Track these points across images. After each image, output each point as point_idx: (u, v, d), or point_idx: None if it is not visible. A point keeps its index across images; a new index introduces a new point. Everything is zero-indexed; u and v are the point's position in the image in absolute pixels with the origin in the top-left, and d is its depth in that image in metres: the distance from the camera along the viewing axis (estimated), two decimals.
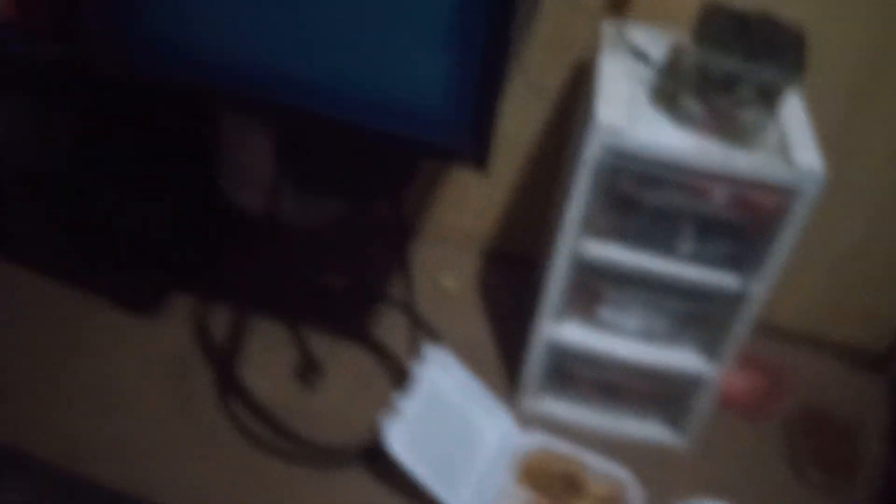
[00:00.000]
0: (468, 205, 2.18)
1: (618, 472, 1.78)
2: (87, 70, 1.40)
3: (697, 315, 1.73)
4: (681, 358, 1.77)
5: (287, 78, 1.28)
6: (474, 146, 1.28)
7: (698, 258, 1.60)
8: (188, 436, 1.79)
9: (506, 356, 2.03)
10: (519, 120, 1.93)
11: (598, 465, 1.79)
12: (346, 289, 2.11)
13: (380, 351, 2.00)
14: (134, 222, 1.88)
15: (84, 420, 1.79)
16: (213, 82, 1.33)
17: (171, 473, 1.72)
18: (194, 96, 1.42)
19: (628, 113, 1.46)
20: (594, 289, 1.72)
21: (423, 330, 2.02)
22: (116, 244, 1.92)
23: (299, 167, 1.57)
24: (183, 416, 1.83)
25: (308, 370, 1.92)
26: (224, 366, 1.91)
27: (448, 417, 1.80)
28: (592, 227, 1.59)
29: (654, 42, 1.63)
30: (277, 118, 1.46)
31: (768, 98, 1.38)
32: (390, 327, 2.04)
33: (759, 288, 1.58)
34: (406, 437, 1.67)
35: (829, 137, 1.49)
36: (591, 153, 1.45)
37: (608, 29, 1.68)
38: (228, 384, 1.88)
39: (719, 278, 1.61)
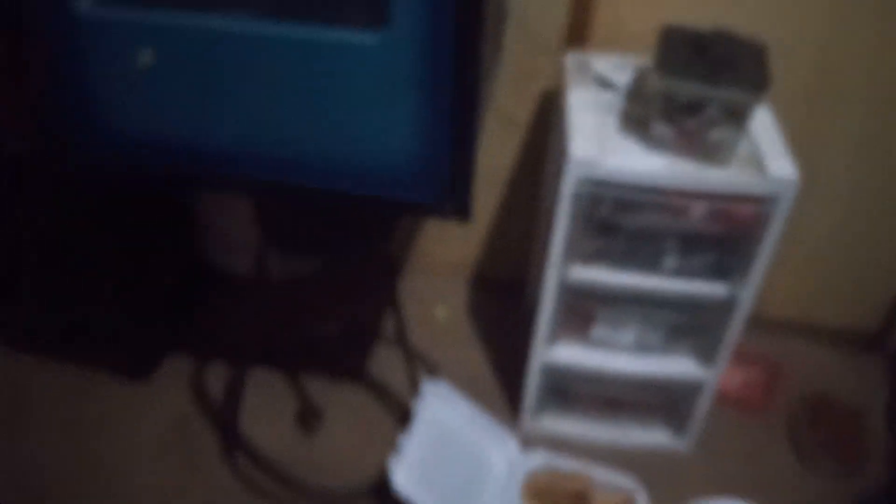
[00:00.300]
0: (452, 236, 2.19)
1: (624, 482, 1.80)
2: (52, 166, 1.39)
3: (689, 324, 1.74)
4: (677, 366, 1.78)
5: (261, 157, 1.28)
6: (454, 200, 1.28)
7: (684, 272, 1.61)
8: (198, 497, 1.79)
9: (504, 380, 2.04)
10: (493, 152, 1.94)
11: (605, 478, 1.81)
12: (338, 332, 2.11)
13: (379, 390, 2.00)
14: (117, 292, 1.87)
15: (94, 493, 1.79)
16: (183, 168, 1.32)
17: None
18: (165, 184, 1.41)
19: (600, 142, 1.47)
20: (585, 310, 1.73)
21: (419, 364, 2.03)
22: (103, 316, 1.92)
23: (281, 227, 1.57)
24: (191, 477, 1.83)
25: (309, 417, 1.93)
26: (225, 423, 1.91)
27: (453, 449, 1.81)
28: (577, 252, 1.60)
29: (618, 69, 1.64)
30: (255, 193, 1.45)
31: (736, 116, 1.39)
32: (387, 365, 2.05)
33: (747, 293, 1.60)
34: (413, 474, 1.68)
35: (798, 137, 1.52)
36: (569, 186, 1.46)
37: (571, 60, 1.69)
38: (232, 441, 1.88)
39: (707, 288, 1.63)
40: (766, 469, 1.90)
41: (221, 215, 1.62)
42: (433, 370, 2.02)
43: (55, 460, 1.85)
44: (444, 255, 2.24)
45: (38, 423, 1.92)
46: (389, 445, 1.74)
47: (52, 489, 1.79)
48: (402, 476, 1.66)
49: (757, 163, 1.45)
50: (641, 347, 1.78)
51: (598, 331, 1.77)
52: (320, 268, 1.70)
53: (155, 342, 2.06)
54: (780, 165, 1.44)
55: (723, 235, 1.56)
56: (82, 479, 1.82)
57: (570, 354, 1.79)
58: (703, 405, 1.82)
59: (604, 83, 1.61)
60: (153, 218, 1.84)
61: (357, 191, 1.28)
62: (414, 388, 1.93)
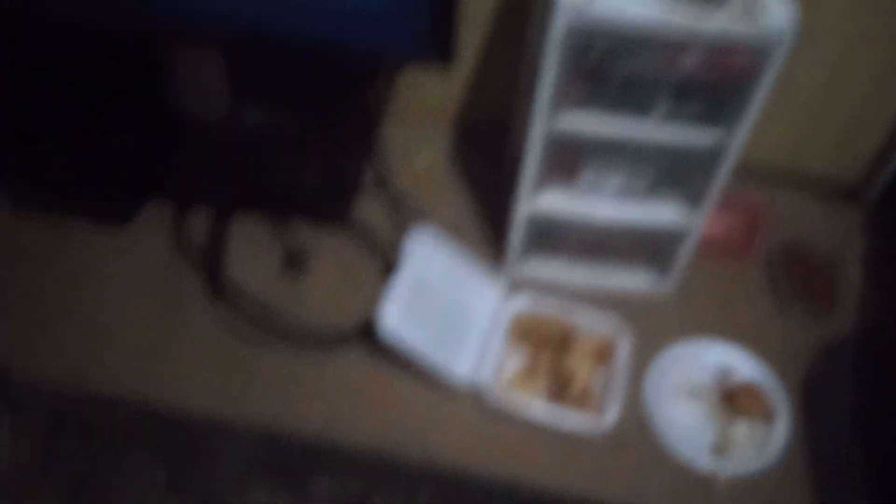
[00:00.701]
0: (433, 81, 2.11)
1: (607, 323, 1.85)
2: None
3: (676, 172, 1.73)
4: (662, 213, 1.78)
5: (231, 5, 1.20)
6: (436, 44, 1.22)
7: (673, 120, 1.58)
8: (187, 342, 1.83)
9: (488, 227, 2.04)
10: None
11: (588, 319, 1.85)
12: (319, 181, 2.08)
13: (364, 236, 2.00)
14: (94, 139, 1.83)
15: (82, 342, 1.82)
16: (147, 20, 1.24)
17: (176, 382, 1.77)
18: (131, 37, 1.34)
19: None
20: (572, 158, 1.71)
21: (404, 211, 2.02)
22: (81, 164, 1.88)
23: (254, 79, 1.50)
24: (176, 323, 1.85)
25: (293, 263, 1.93)
26: (209, 268, 1.92)
27: (439, 293, 1.83)
28: (565, 100, 1.56)
29: None
30: (226, 44, 1.37)
31: None
32: (371, 213, 2.03)
33: (736, 141, 1.57)
34: (400, 318, 1.71)
35: None
36: (557, 32, 1.40)
37: None
38: (216, 286, 1.89)
39: (696, 137, 1.60)
40: (744, 312, 1.95)
41: (192, 65, 1.55)
42: (417, 217, 2.01)
43: (36, 306, 1.87)
44: (425, 101, 2.17)
45: (17, 271, 1.92)
46: (376, 290, 1.76)
47: (34, 334, 1.82)
48: (390, 319, 1.69)
49: (754, 9, 1.39)
50: (627, 195, 1.77)
51: (585, 178, 1.75)
52: (297, 119, 1.64)
53: (134, 189, 2.03)
54: (778, 14, 1.38)
55: (715, 84, 1.51)
56: (64, 325, 1.84)
57: (556, 202, 1.78)
58: (685, 251, 1.84)
59: None
60: (128, 66, 1.76)
61: (330, 38, 1.21)
62: (399, 233, 1.92)
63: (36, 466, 1.67)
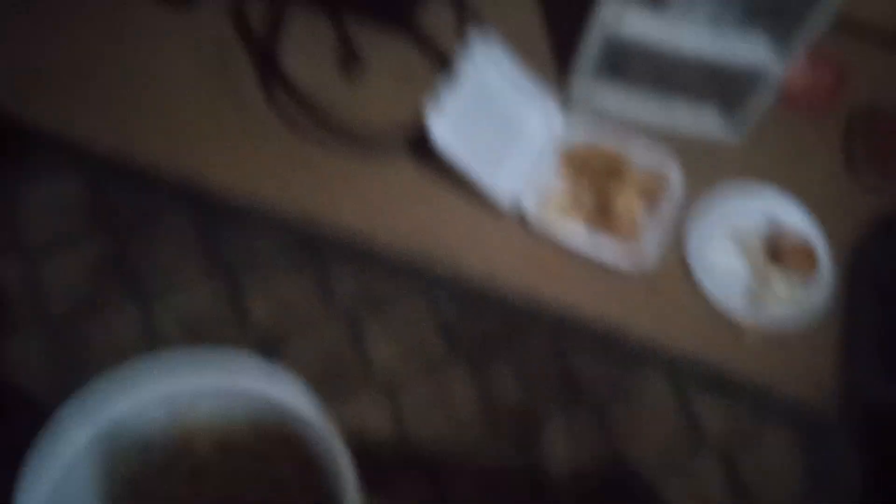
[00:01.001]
0: None
1: (661, 159, 1.77)
2: None
3: (772, 7, 1.59)
4: (747, 50, 1.65)
5: None
6: None
7: None
8: (236, 125, 1.79)
9: (558, 45, 1.92)
10: None
11: (643, 153, 1.77)
12: None
13: (425, 42, 1.90)
14: None
15: (133, 112, 1.79)
16: None
17: (221, 161, 1.75)
18: None
19: None
20: None
21: (469, 19, 1.91)
22: None
23: None
24: (229, 106, 1.81)
25: (350, 62, 1.86)
26: (265, 52, 1.86)
27: (494, 108, 1.75)
28: None
29: None
30: None
31: None
32: (436, 18, 1.92)
33: None
34: (451, 127, 1.63)
35: None
36: None
37: None
38: (271, 73, 1.84)
39: None
40: (810, 170, 1.85)
41: None
42: (484, 26, 1.91)
43: (89, 75, 1.83)
44: None
45: (74, 39, 1.87)
46: (429, 97, 1.69)
47: (84, 100, 1.80)
48: (441, 127, 1.62)
49: None
50: (715, 25, 1.64)
51: (674, 2, 1.62)
52: None
53: None
54: None
55: None
56: (115, 97, 1.81)
57: (637, 24, 1.65)
58: (763, 96, 1.72)
59: None
60: None
61: None
62: (461, 41, 1.83)
63: (77, 228, 1.70)
